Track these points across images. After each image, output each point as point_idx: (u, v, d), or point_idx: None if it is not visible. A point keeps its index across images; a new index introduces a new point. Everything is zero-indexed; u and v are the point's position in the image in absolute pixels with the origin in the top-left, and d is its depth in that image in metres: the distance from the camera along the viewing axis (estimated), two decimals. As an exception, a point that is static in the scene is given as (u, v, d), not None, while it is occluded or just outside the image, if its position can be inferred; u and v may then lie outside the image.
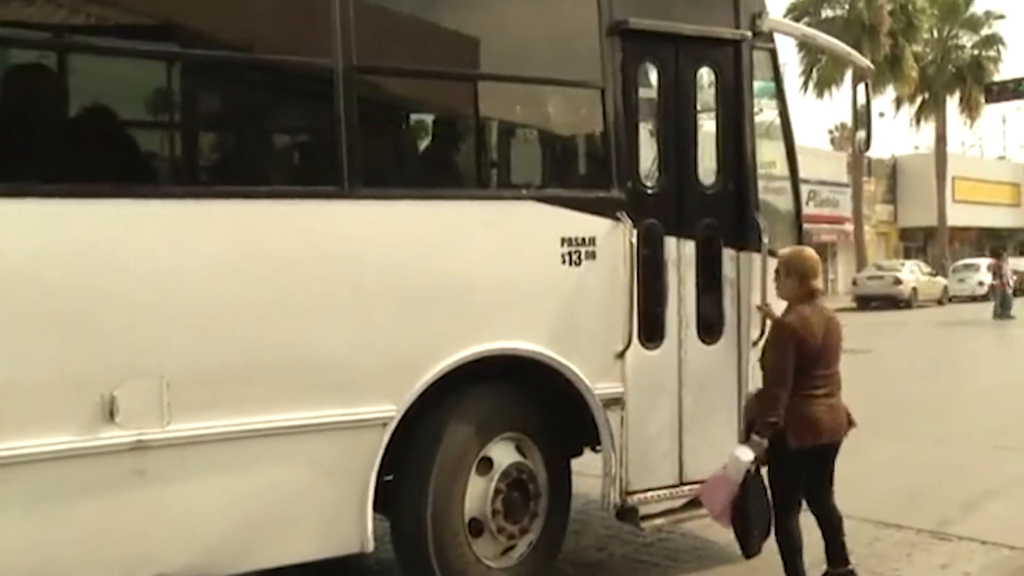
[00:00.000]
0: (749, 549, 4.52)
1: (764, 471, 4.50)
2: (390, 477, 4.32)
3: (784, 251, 4.81)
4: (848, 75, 34.22)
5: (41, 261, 3.45)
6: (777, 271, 4.62)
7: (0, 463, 3.36)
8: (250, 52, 4.18)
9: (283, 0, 4.19)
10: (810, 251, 4.66)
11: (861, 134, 5.95)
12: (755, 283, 5.12)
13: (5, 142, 3.39)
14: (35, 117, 3.74)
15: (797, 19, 32.66)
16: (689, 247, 5.10)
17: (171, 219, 3.73)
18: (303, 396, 3.94)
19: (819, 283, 4.50)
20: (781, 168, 5.75)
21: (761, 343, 5.13)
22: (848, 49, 6.43)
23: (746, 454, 4.33)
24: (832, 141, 50.79)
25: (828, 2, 36.83)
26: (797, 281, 4.46)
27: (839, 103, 50.48)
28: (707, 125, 5.31)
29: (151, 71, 4.07)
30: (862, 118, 5.93)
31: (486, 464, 4.51)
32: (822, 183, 34.50)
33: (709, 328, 5.15)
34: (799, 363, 4.31)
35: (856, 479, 6.75)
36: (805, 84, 36.60)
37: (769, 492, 4.47)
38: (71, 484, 3.52)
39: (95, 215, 3.57)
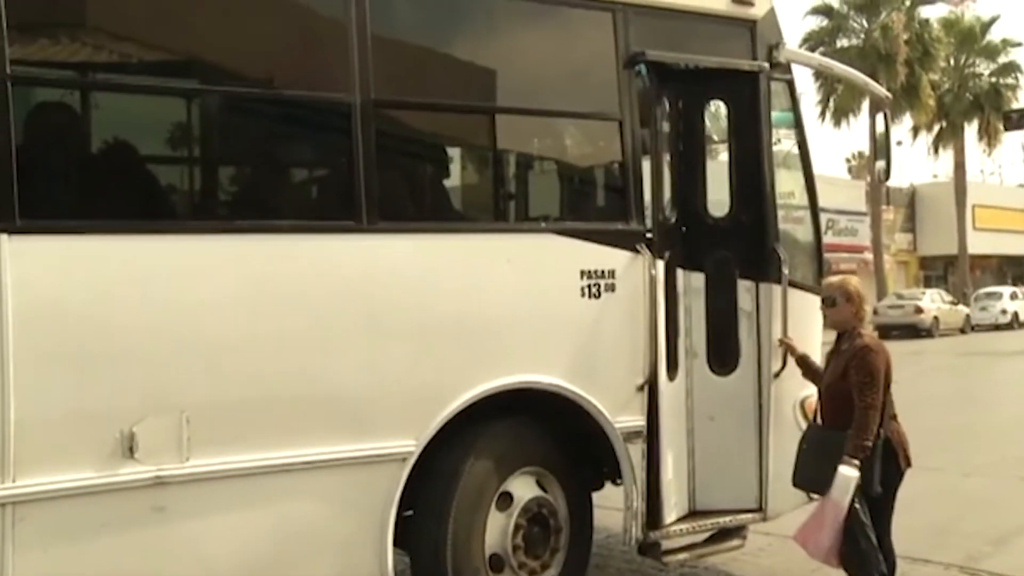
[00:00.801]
0: None
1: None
2: (410, 512, 4.29)
3: (833, 280, 4.77)
4: (865, 104, 34.28)
5: (61, 296, 3.46)
6: (828, 300, 4.63)
7: (19, 500, 3.35)
8: (270, 88, 4.20)
9: (301, 35, 4.22)
10: (851, 276, 4.81)
11: (880, 164, 5.93)
12: (776, 315, 5.07)
13: (27, 179, 3.41)
14: (56, 154, 3.77)
15: (812, 49, 32.73)
16: (709, 279, 5.10)
17: (190, 254, 3.73)
18: (322, 431, 3.92)
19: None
20: (800, 198, 5.72)
21: (784, 374, 5.10)
22: (865, 79, 6.41)
23: (852, 471, 4.22)
24: (849, 170, 50.70)
25: (843, 31, 36.88)
26: (855, 307, 4.53)
27: (856, 132, 50.52)
28: (725, 156, 5.29)
29: (171, 108, 4.11)
30: (881, 148, 5.91)
31: (506, 499, 4.47)
32: (840, 212, 34.41)
33: (729, 360, 5.11)
34: (886, 385, 4.37)
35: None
36: (822, 113, 36.58)
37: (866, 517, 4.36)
38: (91, 521, 3.51)
39: (115, 251, 3.58)
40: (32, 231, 3.41)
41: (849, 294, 4.56)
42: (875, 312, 32.29)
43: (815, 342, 5.35)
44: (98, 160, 3.94)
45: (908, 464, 4.46)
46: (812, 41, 35.73)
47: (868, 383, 4.31)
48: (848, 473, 4.22)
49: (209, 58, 4.04)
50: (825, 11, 36.90)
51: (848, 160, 53.67)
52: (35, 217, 3.42)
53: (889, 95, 6.45)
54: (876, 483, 4.30)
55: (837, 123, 36.74)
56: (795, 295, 5.09)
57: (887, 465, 4.35)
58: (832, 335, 4.73)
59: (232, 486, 3.75)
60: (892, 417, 4.45)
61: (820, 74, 31.73)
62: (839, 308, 4.57)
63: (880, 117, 5.86)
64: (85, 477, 3.46)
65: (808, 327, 5.21)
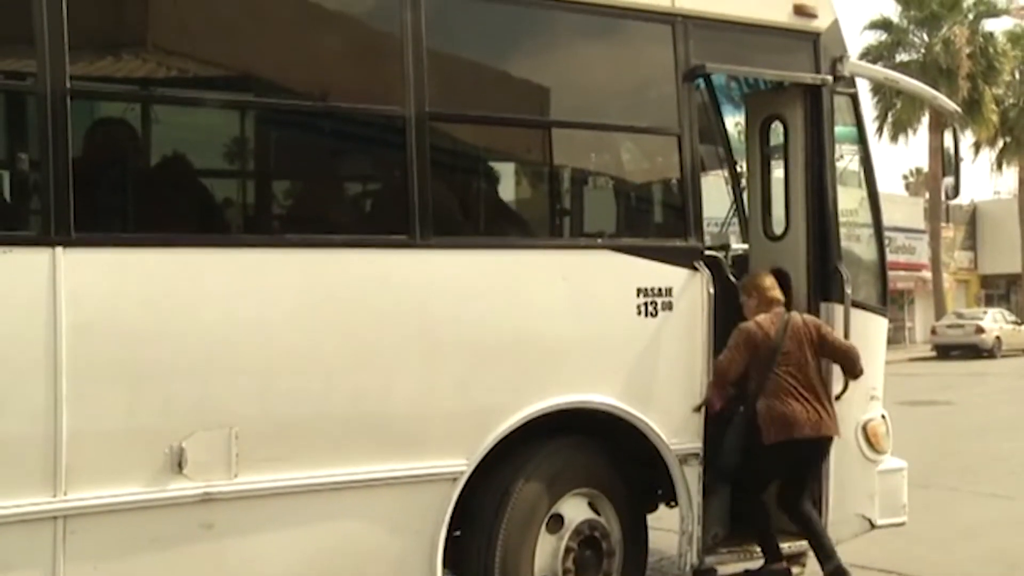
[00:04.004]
0: None
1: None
2: (459, 533, 4.21)
3: (745, 278, 4.96)
4: (925, 119, 33.65)
5: (114, 310, 3.45)
6: (741, 298, 4.90)
7: (69, 513, 3.35)
8: (323, 101, 4.18)
9: (355, 49, 4.19)
10: (762, 272, 5.00)
11: (948, 180, 5.73)
12: (838, 335, 4.92)
13: (83, 192, 3.41)
14: (112, 167, 3.79)
15: (871, 63, 32.19)
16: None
17: (242, 268, 3.71)
18: (372, 449, 3.87)
19: (778, 294, 4.86)
20: (863, 215, 5.56)
21: (844, 397, 4.95)
22: (933, 92, 6.21)
23: None
24: (907, 187, 49.80)
25: (903, 46, 36.27)
26: (757, 299, 4.84)
27: (915, 148, 49.60)
28: (787, 172, 5.16)
29: (225, 122, 4.11)
30: (950, 164, 5.72)
31: (557, 521, 4.37)
32: (898, 229, 33.68)
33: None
34: (761, 362, 4.70)
35: (943, 542, 6.42)
36: (880, 129, 36.00)
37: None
38: (140, 536, 3.49)
39: (168, 264, 3.58)
40: (87, 244, 3.41)
41: (746, 289, 4.89)
42: (933, 332, 31.60)
43: (879, 364, 5.18)
44: (152, 174, 3.96)
45: (774, 440, 4.68)
46: (871, 56, 35.12)
47: (726, 349, 4.70)
48: None
49: (263, 73, 4.04)
50: (884, 25, 36.32)
51: (906, 177, 52.79)
52: (90, 230, 3.42)
53: (958, 110, 6.24)
54: (729, 451, 4.68)
55: (894, 138, 36.14)
56: (858, 315, 4.94)
57: (750, 438, 4.71)
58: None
59: (281, 504, 3.71)
60: (801, 394, 4.71)
61: (879, 88, 31.27)
62: (746, 304, 4.88)
63: (949, 133, 5.68)
64: (134, 492, 3.45)
65: (873, 349, 5.05)
